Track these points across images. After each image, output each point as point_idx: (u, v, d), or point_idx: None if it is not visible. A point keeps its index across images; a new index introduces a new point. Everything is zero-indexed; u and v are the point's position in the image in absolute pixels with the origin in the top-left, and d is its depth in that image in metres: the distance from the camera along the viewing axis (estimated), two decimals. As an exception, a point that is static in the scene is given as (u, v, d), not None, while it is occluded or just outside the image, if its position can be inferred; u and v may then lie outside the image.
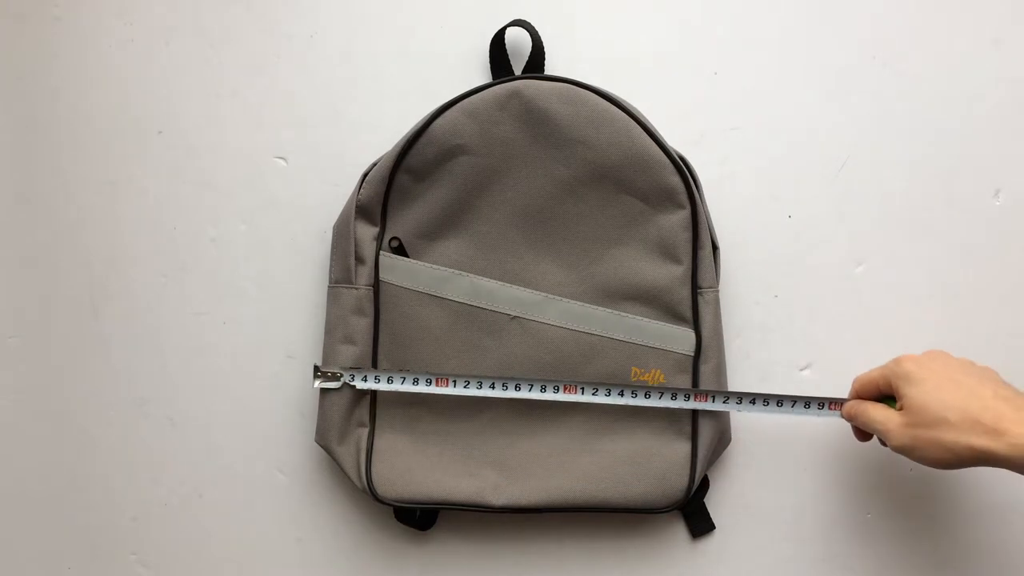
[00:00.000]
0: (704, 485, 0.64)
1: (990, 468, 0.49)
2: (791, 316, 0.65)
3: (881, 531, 0.64)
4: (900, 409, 0.53)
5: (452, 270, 0.62)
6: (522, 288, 0.61)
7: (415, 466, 0.61)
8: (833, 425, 0.64)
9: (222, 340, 0.68)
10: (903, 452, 0.52)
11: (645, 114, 0.62)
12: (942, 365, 0.52)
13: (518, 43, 0.65)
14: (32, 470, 0.69)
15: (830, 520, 0.65)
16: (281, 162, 0.68)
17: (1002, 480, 0.64)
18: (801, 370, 0.65)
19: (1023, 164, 0.65)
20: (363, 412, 0.63)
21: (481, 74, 0.66)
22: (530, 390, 0.60)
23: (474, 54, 0.67)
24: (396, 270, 0.62)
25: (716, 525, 0.65)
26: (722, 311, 0.63)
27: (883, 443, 0.55)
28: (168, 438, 0.68)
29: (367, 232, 0.62)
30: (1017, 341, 0.65)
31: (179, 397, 0.68)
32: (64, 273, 0.69)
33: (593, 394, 0.60)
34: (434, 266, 0.62)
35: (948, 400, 0.50)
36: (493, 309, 0.61)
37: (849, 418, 0.58)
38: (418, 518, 0.64)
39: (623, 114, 0.59)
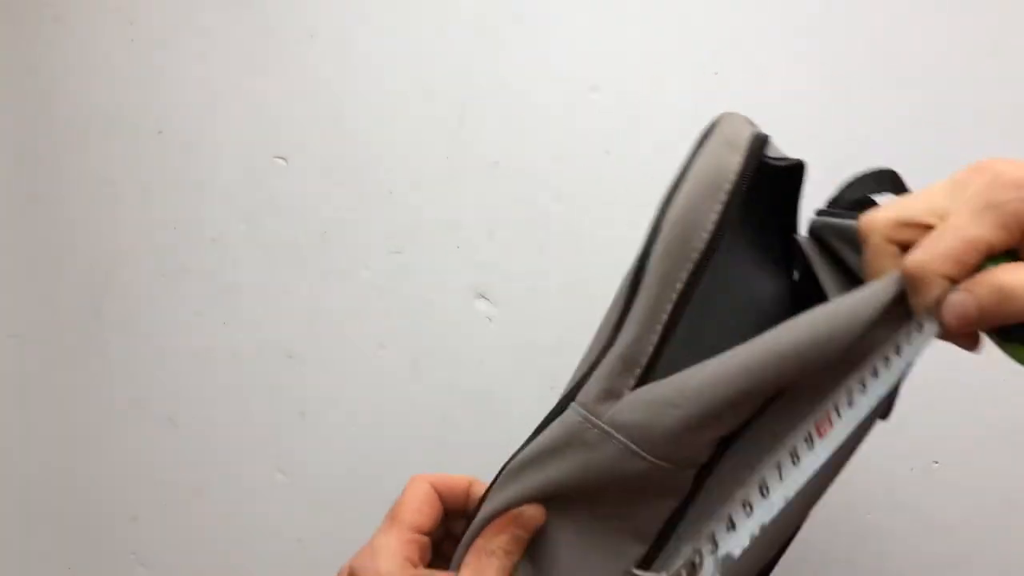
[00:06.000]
0: None
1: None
2: (791, 316, 0.65)
3: (882, 531, 0.64)
4: None
5: None
6: None
7: None
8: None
9: (222, 340, 0.68)
10: None
11: (645, 114, 0.62)
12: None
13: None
14: (32, 469, 0.69)
15: (830, 520, 0.65)
16: (281, 162, 0.68)
17: (1004, 480, 0.64)
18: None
19: (1023, 164, 0.65)
20: None
21: (474, 73, 0.66)
22: None
23: (474, 54, 0.67)
24: None
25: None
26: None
27: None
28: (168, 438, 0.68)
29: None
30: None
31: (179, 397, 0.68)
32: (64, 273, 0.69)
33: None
34: None
35: None
36: None
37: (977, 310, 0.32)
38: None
39: None
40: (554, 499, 0.38)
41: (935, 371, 0.65)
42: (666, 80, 0.67)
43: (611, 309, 0.40)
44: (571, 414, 0.38)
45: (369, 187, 0.67)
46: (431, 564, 0.40)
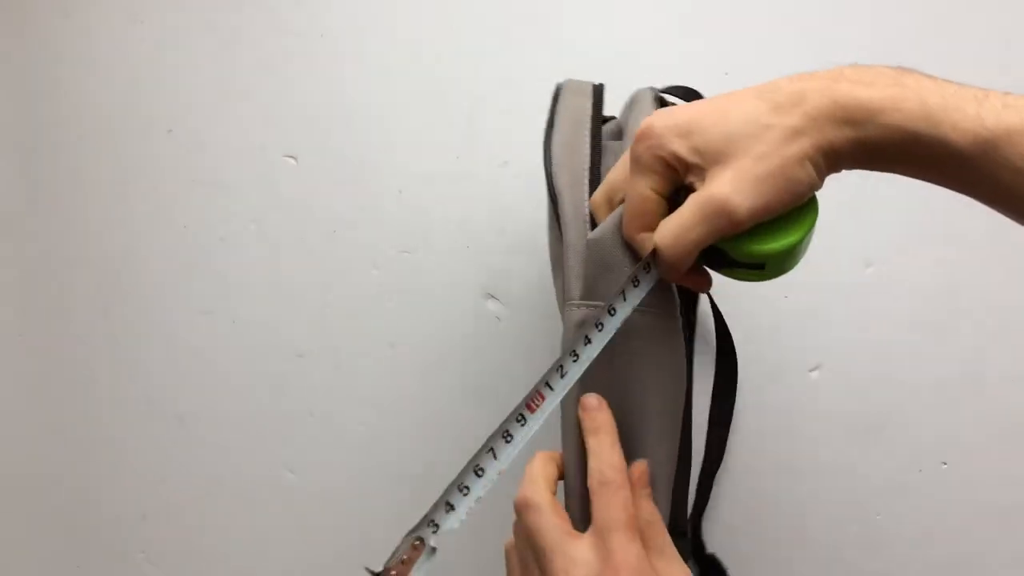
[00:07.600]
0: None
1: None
2: (800, 317, 0.65)
3: (891, 531, 0.64)
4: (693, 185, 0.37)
5: None
6: None
7: None
8: (835, 423, 0.64)
9: (231, 339, 0.68)
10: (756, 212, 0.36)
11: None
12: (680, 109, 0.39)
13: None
14: (41, 468, 0.69)
15: (840, 520, 0.65)
16: (291, 161, 0.68)
17: (1012, 481, 0.64)
18: (810, 371, 0.65)
19: (1033, 166, 0.65)
20: None
21: (484, 73, 0.66)
22: None
23: (484, 54, 0.67)
24: None
25: (715, 525, 0.65)
26: (733, 313, 0.63)
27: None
28: (177, 437, 0.68)
29: None
30: (1026, 343, 0.65)
31: (188, 396, 0.68)
32: (74, 272, 0.69)
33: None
34: None
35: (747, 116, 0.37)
36: None
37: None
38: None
39: None
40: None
41: (943, 373, 0.65)
42: (677, 81, 0.67)
43: (550, 224, 0.48)
44: (568, 309, 0.44)
45: (379, 186, 0.68)
46: None
